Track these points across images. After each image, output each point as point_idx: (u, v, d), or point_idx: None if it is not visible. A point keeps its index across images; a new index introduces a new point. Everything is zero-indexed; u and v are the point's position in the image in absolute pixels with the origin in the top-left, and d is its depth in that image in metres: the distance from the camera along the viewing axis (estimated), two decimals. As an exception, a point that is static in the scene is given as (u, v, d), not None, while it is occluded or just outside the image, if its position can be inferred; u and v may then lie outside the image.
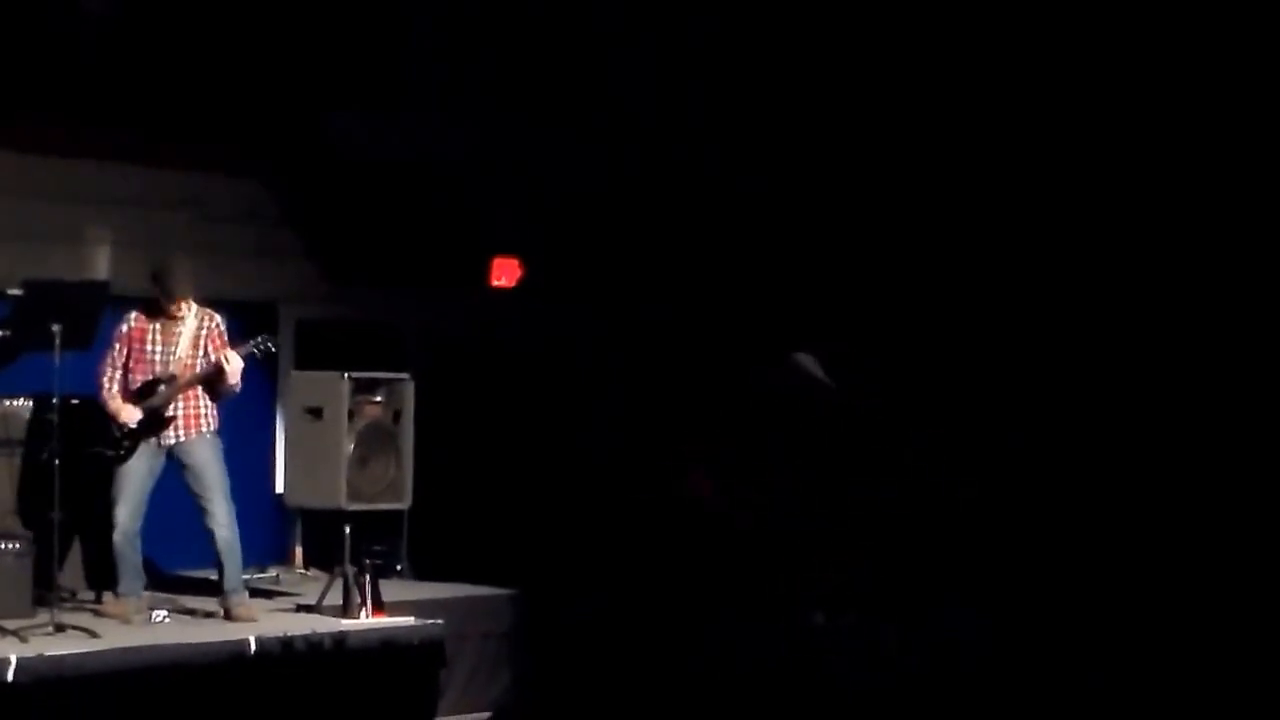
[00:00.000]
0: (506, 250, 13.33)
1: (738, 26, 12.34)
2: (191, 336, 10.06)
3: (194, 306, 10.10)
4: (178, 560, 11.05)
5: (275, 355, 10.92)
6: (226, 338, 10.10)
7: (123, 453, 9.94)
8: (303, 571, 12.11)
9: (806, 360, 10.83)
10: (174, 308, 10.02)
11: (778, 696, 10.25)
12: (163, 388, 9.99)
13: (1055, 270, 11.43)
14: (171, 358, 10.04)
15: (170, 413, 9.98)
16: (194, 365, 10.02)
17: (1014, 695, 9.86)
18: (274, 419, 12.42)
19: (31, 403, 10.41)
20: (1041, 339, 11.41)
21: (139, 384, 10.02)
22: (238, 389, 10.07)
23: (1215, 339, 10.88)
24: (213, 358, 9.96)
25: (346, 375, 10.90)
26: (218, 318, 10.16)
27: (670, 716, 10.49)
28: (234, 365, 9.93)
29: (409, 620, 10.25)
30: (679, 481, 11.29)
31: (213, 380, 10.01)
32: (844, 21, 11.96)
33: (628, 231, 12.90)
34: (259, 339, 10.11)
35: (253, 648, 9.37)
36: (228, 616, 10.07)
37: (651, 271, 12.79)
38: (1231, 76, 10.90)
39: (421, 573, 11.83)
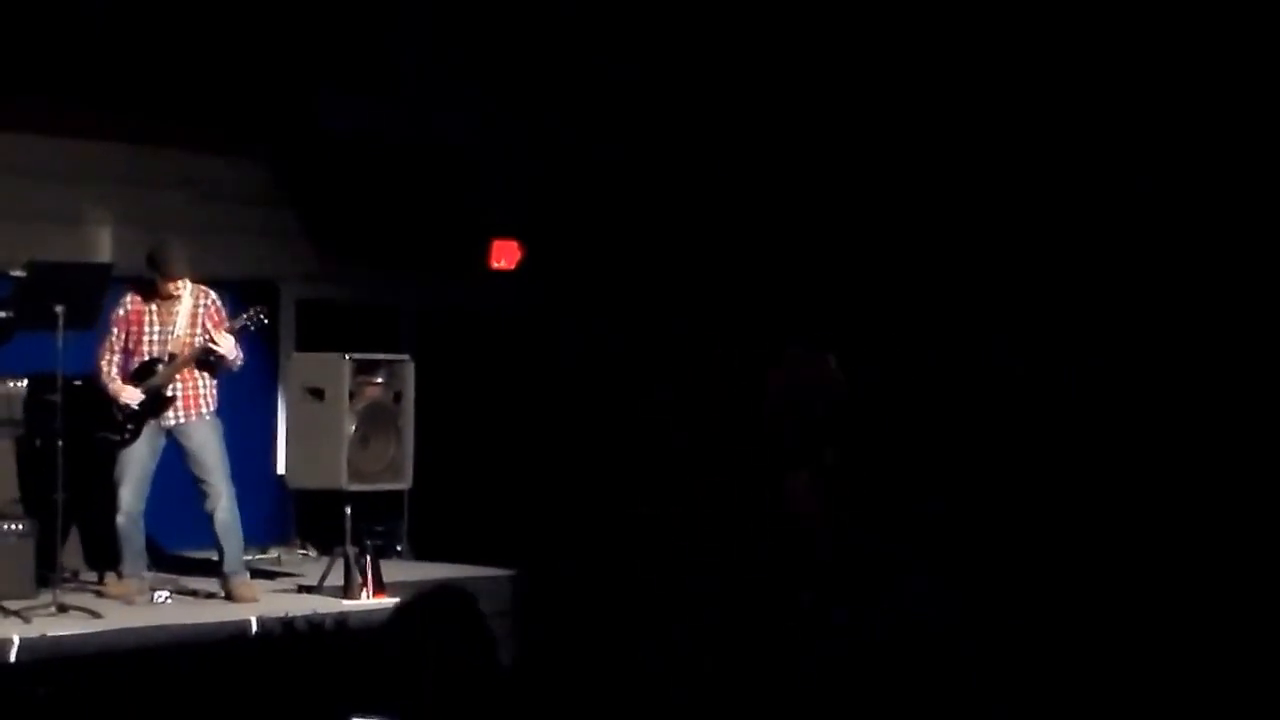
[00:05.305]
0: (507, 232, 13.35)
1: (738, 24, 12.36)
2: (189, 314, 10.08)
3: (189, 285, 10.12)
4: (180, 541, 11.08)
5: (271, 331, 10.91)
6: (224, 314, 10.13)
7: (127, 435, 9.97)
8: (303, 552, 12.14)
9: (827, 361, 10.79)
10: (170, 287, 10.04)
11: (751, 671, 10.21)
12: (161, 367, 10.02)
13: (1040, 266, 11.45)
14: (170, 337, 10.06)
15: (170, 392, 10.01)
16: (192, 343, 10.05)
17: (981, 665, 9.84)
18: (275, 400, 12.44)
19: (32, 383, 10.42)
20: (1024, 331, 11.44)
21: (138, 365, 10.06)
22: (239, 362, 10.10)
23: (1180, 332, 10.92)
24: (211, 334, 10.00)
25: (347, 356, 10.90)
26: (213, 294, 10.18)
27: (663, 697, 10.49)
28: (225, 344, 9.96)
29: (409, 601, 10.28)
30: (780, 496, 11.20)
31: (210, 359, 10.04)
32: (847, 23, 11.96)
33: (628, 215, 12.91)
34: (252, 311, 10.12)
35: (254, 628, 9.38)
36: (229, 597, 10.10)
37: (653, 256, 12.80)
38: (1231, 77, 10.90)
39: (422, 553, 11.86)
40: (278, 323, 12.17)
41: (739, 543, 11.69)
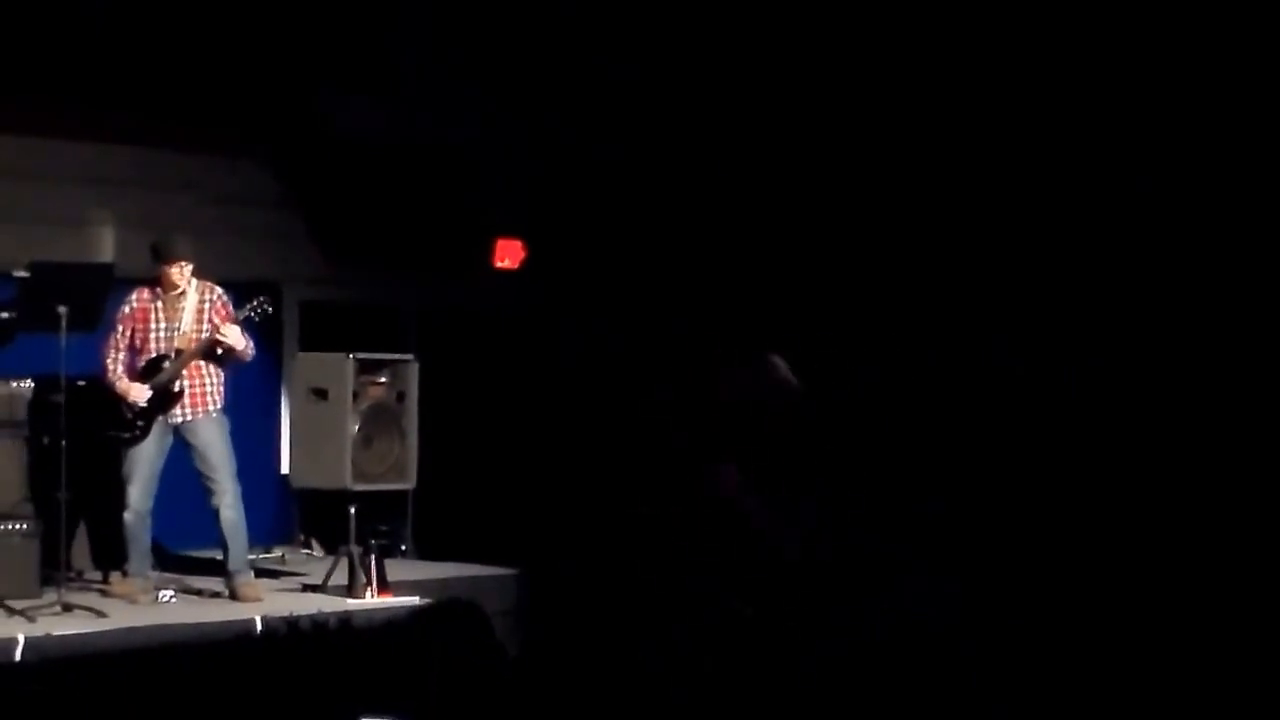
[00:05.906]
0: (510, 232, 13.38)
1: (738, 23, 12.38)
2: (194, 310, 10.12)
3: (194, 281, 10.16)
4: (184, 540, 11.11)
5: (275, 332, 10.92)
6: (230, 310, 10.16)
7: (137, 434, 10.00)
8: (308, 552, 12.18)
9: (779, 362, 10.75)
10: (175, 276, 10.04)
11: (751, 671, 10.22)
12: (167, 364, 10.05)
13: (1040, 265, 11.47)
14: (176, 333, 10.10)
15: (177, 388, 10.04)
16: (199, 338, 10.09)
17: (981, 665, 9.85)
18: (279, 400, 12.48)
19: (36, 384, 10.44)
20: (1024, 331, 11.46)
21: (145, 362, 10.09)
22: (250, 353, 10.14)
23: (1180, 332, 10.94)
24: (218, 326, 10.03)
25: (351, 356, 10.94)
26: (219, 290, 10.22)
27: (663, 697, 10.50)
28: (232, 334, 9.99)
29: (414, 600, 10.30)
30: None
31: (219, 351, 10.07)
32: (846, 23, 11.98)
33: (629, 215, 12.93)
34: (255, 302, 10.16)
35: (259, 628, 9.40)
36: (233, 596, 10.14)
37: (654, 256, 12.82)
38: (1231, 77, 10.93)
39: (426, 553, 11.90)
40: (281, 323, 12.22)
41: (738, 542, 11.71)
